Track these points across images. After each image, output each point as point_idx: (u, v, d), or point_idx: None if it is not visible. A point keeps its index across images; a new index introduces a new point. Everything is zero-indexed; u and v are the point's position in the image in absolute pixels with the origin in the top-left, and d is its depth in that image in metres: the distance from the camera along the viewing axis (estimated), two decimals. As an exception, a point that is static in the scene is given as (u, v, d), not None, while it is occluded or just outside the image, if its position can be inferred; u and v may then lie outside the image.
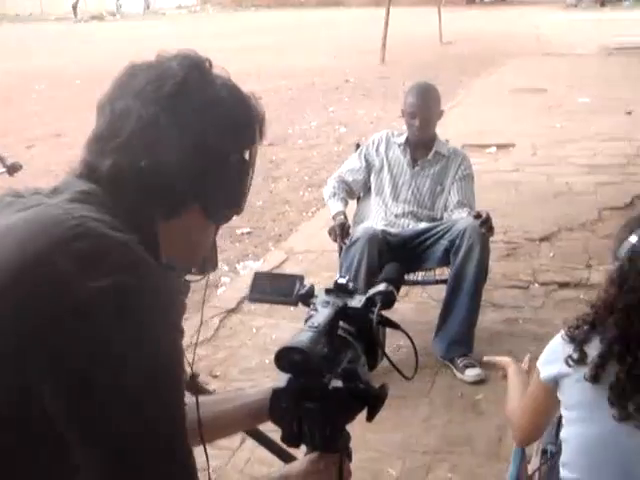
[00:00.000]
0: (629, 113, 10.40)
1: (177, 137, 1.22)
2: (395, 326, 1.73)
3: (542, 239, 5.74)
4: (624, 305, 1.91)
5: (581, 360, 1.95)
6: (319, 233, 4.27)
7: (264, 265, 5.53)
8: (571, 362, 1.96)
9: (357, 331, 1.53)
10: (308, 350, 1.32)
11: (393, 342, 4.28)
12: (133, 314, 1.06)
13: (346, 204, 4.39)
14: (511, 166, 8.02)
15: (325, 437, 1.43)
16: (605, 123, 9.74)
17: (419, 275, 4.28)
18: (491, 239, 5.60)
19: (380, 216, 4.30)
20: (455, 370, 3.96)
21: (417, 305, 4.67)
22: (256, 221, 6.77)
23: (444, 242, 4.01)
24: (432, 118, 4.29)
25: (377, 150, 4.41)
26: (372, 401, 1.45)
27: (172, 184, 1.23)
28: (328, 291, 1.56)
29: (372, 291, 1.58)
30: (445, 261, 4.05)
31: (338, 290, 1.56)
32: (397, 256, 4.03)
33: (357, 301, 1.55)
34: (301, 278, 1.63)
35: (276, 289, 1.65)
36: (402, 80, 14.33)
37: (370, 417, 1.46)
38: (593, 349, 1.95)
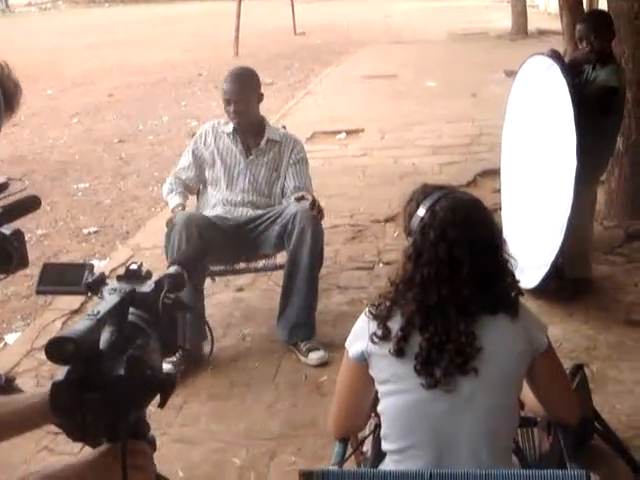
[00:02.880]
0: (474, 95, 10.74)
1: None
2: (187, 308, 1.69)
3: (387, 220, 5.85)
4: (420, 279, 1.95)
5: (385, 336, 1.98)
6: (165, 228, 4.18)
7: (110, 263, 5.38)
8: (376, 339, 1.99)
9: (150, 316, 1.48)
10: (78, 339, 1.25)
11: (238, 330, 4.30)
12: None
13: (186, 197, 4.32)
14: (360, 151, 8.13)
15: (110, 427, 1.37)
16: (451, 105, 10.03)
17: (260, 263, 4.26)
18: (337, 222, 5.71)
19: (218, 207, 4.23)
20: (299, 354, 3.96)
21: (263, 292, 4.67)
22: (104, 219, 6.60)
23: (277, 227, 3.99)
24: (249, 102, 4.19)
25: (205, 143, 4.30)
26: (160, 387, 1.40)
27: None
28: (119, 278, 1.50)
29: (161, 274, 1.54)
30: (280, 246, 4.04)
31: (129, 276, 1.51)
32: (233, 243, 4.00)
33: (147, 286, 1.49)
34: (90, 266, 1.56)
35: (64, 279, 1.58)
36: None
37: (162, 404, 1.41)
38: (395, 324, 1.98)
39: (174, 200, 4.24)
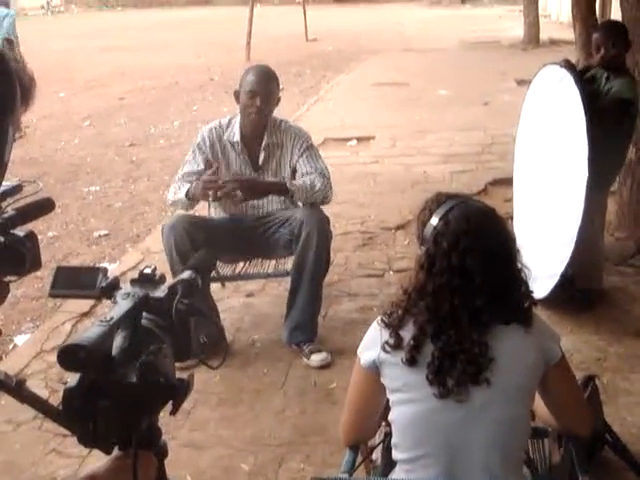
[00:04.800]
0: (486, 104, 10.74)
1: None
2: (201, 314, 1.68)
3: (398, 227, 5.84)
4: (433, 289, 1.94)
5: (397, 345, 1.97)
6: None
7: (120, 267, 5.39)
8: (388, 347, 1.98)
9: (164, 322, 1.47)
10: (90, 346, 1.25)
11: (248, 336, 4.30)
12: None
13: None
14: (371, 158, 8.13)
15: (122, 434, 1.36)
16: (463, 114, 10.02)
17: (270, 268, 4.27)
18: (347, 229, 5.71)
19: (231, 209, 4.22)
20: (303, 357, 3.98)
21: (273, 298, 4.66)
22: (114, 223, 6.61)
23: (286, 231, 4.01)
24: (272, 99, 4.06)
25: (213, 152, 4.13)
26: (172, 394, 1.39)
27: None
28: (133, 282, 1.50)
29: (175, 280, 1.53)
30: (291, 249, 4.03)
31: (143, 280, 1.50)
32: (243, 242, 4.00)
33: (161, 291, 1.48)
34: (104, 270, 1.55)
35: (78, 283, 1.57)
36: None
37: (174, 410, 1.40)
38: (408, 333, 1.97)
39: (184, 189, 4.06)
